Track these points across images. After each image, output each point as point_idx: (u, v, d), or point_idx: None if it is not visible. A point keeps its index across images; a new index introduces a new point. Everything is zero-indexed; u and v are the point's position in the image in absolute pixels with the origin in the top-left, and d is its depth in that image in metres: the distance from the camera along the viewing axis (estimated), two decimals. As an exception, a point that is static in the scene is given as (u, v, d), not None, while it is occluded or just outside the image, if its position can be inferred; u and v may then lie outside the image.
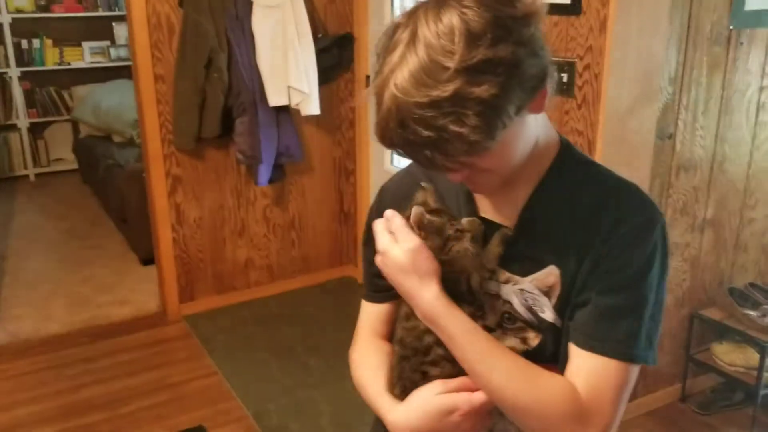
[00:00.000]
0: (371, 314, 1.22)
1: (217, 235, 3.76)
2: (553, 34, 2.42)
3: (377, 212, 1.19)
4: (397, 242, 0.99)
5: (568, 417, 0.93)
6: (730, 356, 2.83)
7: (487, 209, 1.07)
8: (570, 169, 1.03)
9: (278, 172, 3.70)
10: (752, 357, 2.78)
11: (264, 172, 3.54)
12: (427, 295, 0.97)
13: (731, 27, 2.52)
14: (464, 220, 1.03)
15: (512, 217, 1.04)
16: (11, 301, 3.93)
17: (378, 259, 1.01)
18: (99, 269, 4.37)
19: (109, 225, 5.08)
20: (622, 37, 2.24)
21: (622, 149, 2.38)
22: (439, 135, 0.83)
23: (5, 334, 3.56)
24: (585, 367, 0.95)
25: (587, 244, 0.97)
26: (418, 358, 1.01)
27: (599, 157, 2.36)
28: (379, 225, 1.02)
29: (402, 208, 1.15)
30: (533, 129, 0.97)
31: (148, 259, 4.11)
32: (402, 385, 1.03)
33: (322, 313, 3.77)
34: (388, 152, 3.88)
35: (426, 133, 0.83)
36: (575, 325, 0.98)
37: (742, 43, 2.57)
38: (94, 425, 2.84)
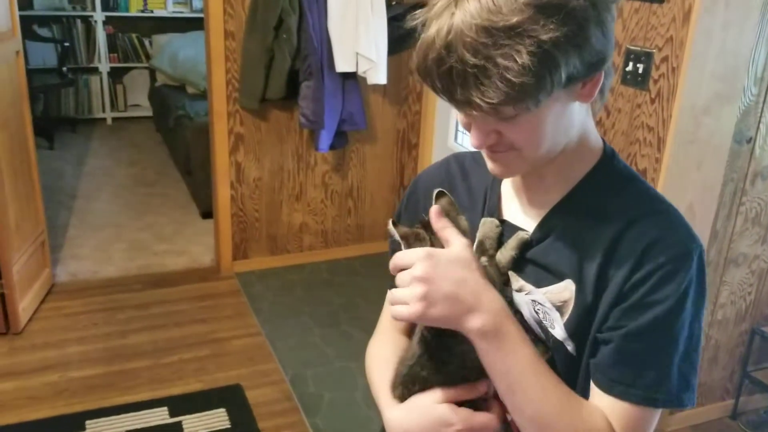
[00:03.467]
0: None
1: (275, 196, 3.77)
2: (633, 22, 2.28)
3: (408, 201, 1.16)
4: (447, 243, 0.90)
5: None
6: (790, 378, 2.68)
7: (512, 212, 1.01)
8: (607, 182, 0.95)
9: (340, 139, 3.67)
10: (814, 382, 2.62)
11: (325, 138, 3.51)
12: (493, 294, 0.87)
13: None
14: (482, 221, 0.97)
15: (536, 224, 0.97)
16: (75, 241, 4.06)
17: (420, 268, 0.85)
18: (161, 217, 4.47)
19: (175, 175, 5.18)
20: (706, 30, 2.08)
21: (693, 150, 2.24)
22: (484, 66, 0.77)
23: (66, 274, 3.68)
24: (611, 410, 0.89)
25: (612, 267, 0.89)
26: (430, 377, 0.96)
27: (668, 157, 2.23)
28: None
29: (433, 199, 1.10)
30: (573, 122, 0.90)
31: (208, 212, 4.17)
32: (403, 390, 0.99)
33: (372, 285, 3.75)
34: (452, 129, 3.79)
35: (472, 60, 0.77)
36: (598, 366, 0.90)
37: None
38: (136, 371, 2.91)
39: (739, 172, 2.41)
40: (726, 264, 2.56)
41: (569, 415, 0.88)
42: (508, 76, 0.76)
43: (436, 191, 0.95)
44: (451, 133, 3.82)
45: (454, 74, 0.79)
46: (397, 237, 0.90)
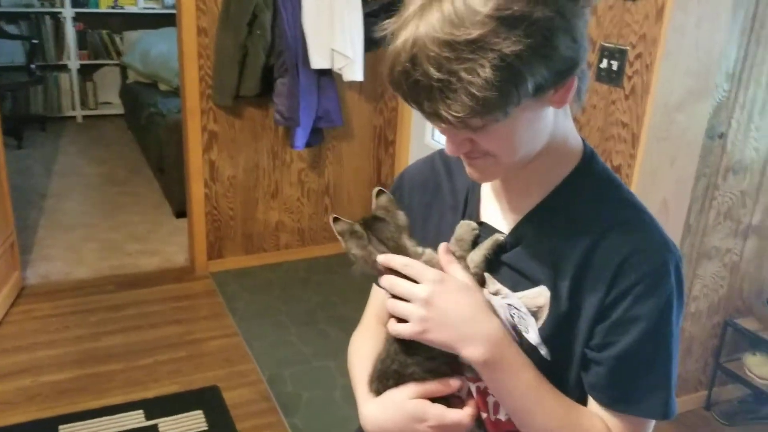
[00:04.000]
0: (378, 299, 1.20)
1: (250, 195, 3.74)
2: (606, 19, 2.29)
3: (393, 196, 1.15)
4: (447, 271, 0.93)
5: None
6: (762, 369, 2.71)
7: (490, 214, 1.01)
8: (584, 186, 0.95)
9: (316, 136, 3.65)
10: (785, 373, 2.66)
11: (301, 135, 3.49)
12: (495, 323, 0.90)
13: (801, 24, 2.35)
14: (460, 223, 0.97)
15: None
16: (45, 242, 3.99)
17: (428, 290, 0.87)
18: (133, 217, 4.41)
19: (148, 173, 5.12)
20: (679, 27, 2.10)
21: (667, 146, 2.26)
22: (448, 80, 0.76)
23: (36, 276, 3.62)
24: (613, 423, 0.92)
25: (587, 280, 0.90)
26: (401, 369, 0.96)
27: (642, 153, 2.24)
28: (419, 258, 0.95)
29: (418, 196, 1.11)
30: (549, 126, 0.89)
31: (182, 211, 4.13)
32: (378, 384, 0.99)
33: (349, 284, 3.73)
34: (429, 126, 3.79)
35: (436, 75, 0.76)
36: (595, 386, 0.92)
37: (811, 42, 2.40)
38: (109, 374, 2.87)
39: (711, 167, 2.44)
40: (699, 258, 2.58)
41: (572, 428, 0.91)
42: (473, 90, 0.75)
43: (375, 190, 0.97)
44: (428, 130, 3.82)
45: (421, 87, 0.78)
46: (335, 233, 0.93)
